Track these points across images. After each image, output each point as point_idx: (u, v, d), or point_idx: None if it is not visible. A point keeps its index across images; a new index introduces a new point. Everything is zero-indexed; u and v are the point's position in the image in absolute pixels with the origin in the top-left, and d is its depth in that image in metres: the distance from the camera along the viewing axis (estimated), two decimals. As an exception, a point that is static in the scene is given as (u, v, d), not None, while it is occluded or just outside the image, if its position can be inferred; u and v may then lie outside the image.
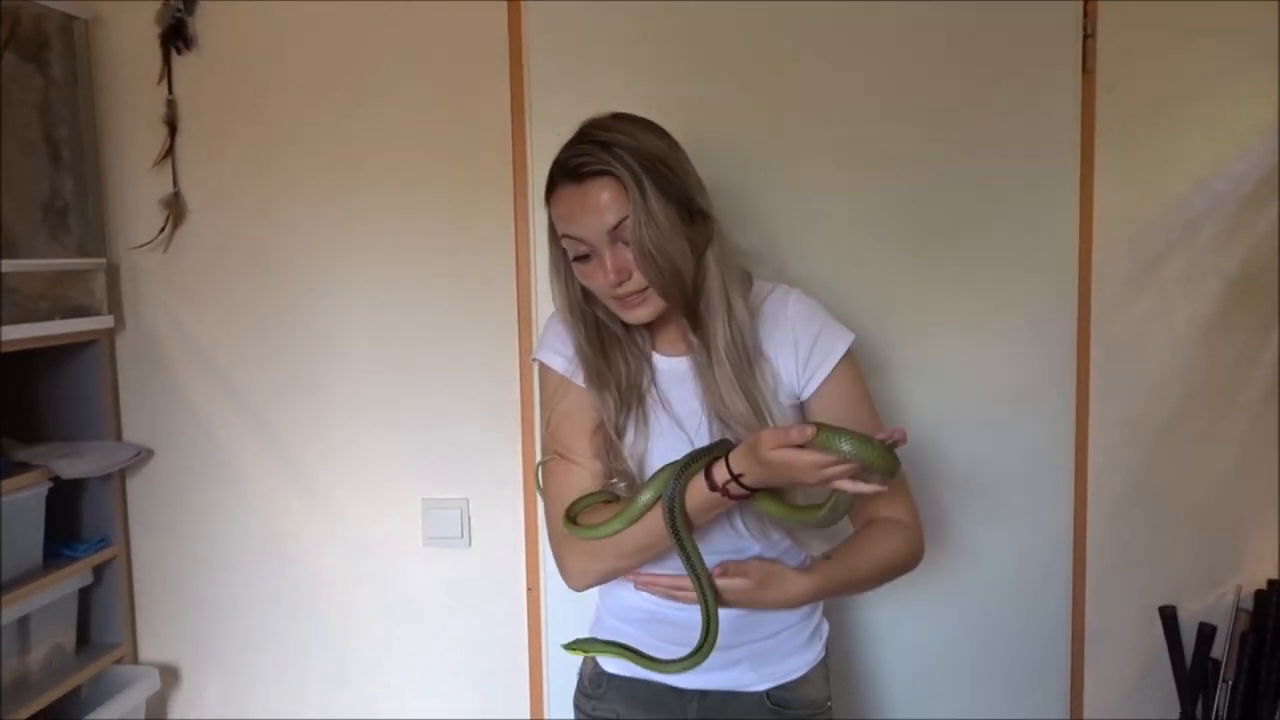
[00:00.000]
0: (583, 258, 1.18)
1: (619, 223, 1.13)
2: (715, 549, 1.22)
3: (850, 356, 1.27)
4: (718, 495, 1.10)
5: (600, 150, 1.14)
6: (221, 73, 1.76)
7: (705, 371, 1.22)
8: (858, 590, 1.30)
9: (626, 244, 1.14)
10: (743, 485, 1.09)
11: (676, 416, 1.24)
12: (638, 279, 1.16)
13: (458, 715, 1.85)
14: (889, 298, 1.71)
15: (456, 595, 1.82)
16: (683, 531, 1.12)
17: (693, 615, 1.21)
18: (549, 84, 1.71)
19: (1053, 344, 1.72)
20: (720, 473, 1.10)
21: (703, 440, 1.21)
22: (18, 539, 1.64)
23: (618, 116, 1.20)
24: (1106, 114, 1.67)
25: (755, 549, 1.26)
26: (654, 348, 1.29)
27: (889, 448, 1.02)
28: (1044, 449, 1.74)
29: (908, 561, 1.29)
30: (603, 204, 1.13)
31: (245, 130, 1.77)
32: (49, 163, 1.69)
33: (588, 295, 1.25)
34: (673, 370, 1.27)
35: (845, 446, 1.00)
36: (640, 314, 1.20)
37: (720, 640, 1.24)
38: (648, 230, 1.12)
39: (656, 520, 1.14)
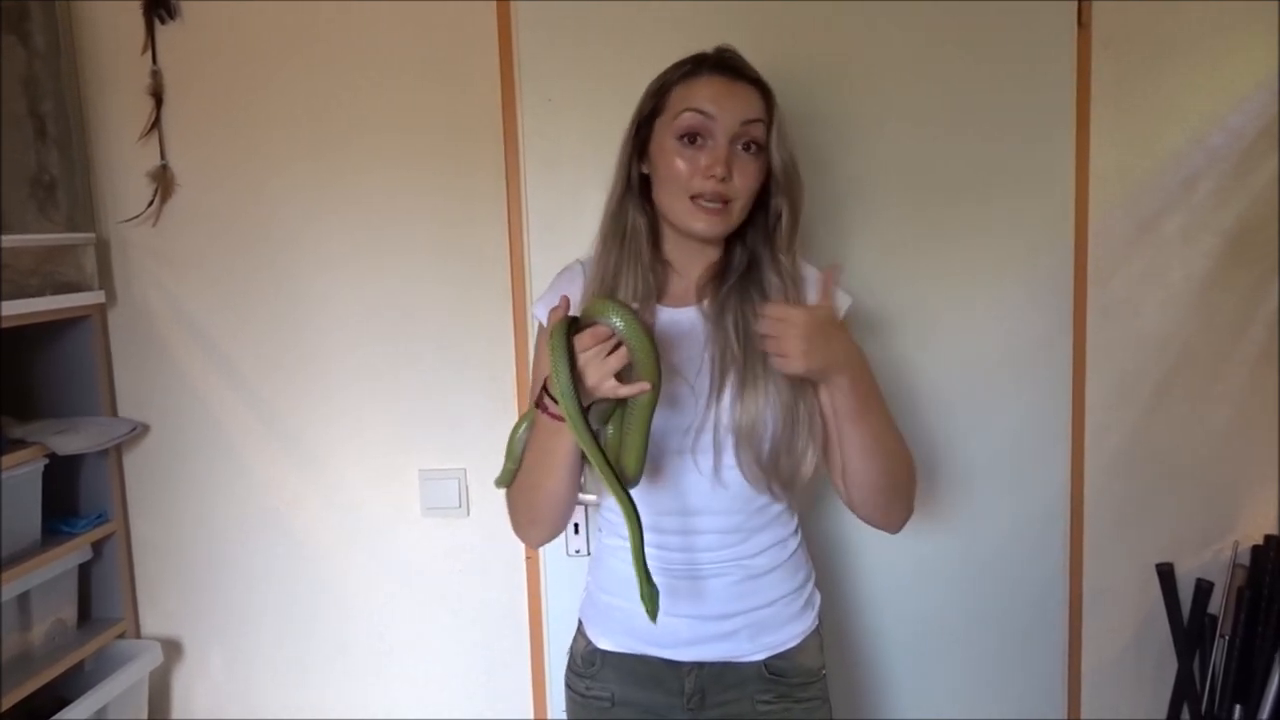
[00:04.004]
0: (694, 139, 1.20)
1: (753, 121, 1.20)
2: (707, 507, 1.23)
3: (844, 321, 1.29)
4: (548, 417, 1.14)
5: (750, 67, 1.25)
6: (206, 42, 1.73)
7: (723, 319, 1.24)
8: (881, 438, 1.21)
9: (744, 148, 1.21)
10: (554, 399, 1.10)
11: (675, 361, 1.24)
12: (734, 186, 1.20)
13: (459, 683, 1.86)
14: (885, 259, 1.70)
15: (456, 565, 1.82)
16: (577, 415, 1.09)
17: (677, 584, 1.25)
18: (539, 47, 1.68)
19: (1050, 303, 1.71)
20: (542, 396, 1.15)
21: (703, 386, 1.23)
22: (15, 516, 1.63)
23: None
24: (1102, 70, 1.66)
25: (740, 516, 1.26)
26: (659, 300, 1.28)
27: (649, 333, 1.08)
28: (1042, 408, 1.74)
29: (907, 471, 1.27)
30: (749, 101, 1.21)
31: (232, 100, 1.75)
32: (35, 137, 1.67)
33: (642, 199, 1.28)
34: (674, 320, 1.27)
35: (617, 320, 1.06)
36: (710, 225, 1.22)
37: (717, 610, 1.26)
38: (779, 146, 1.22)
39: (533, 454, 1.20)
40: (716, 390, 1.22)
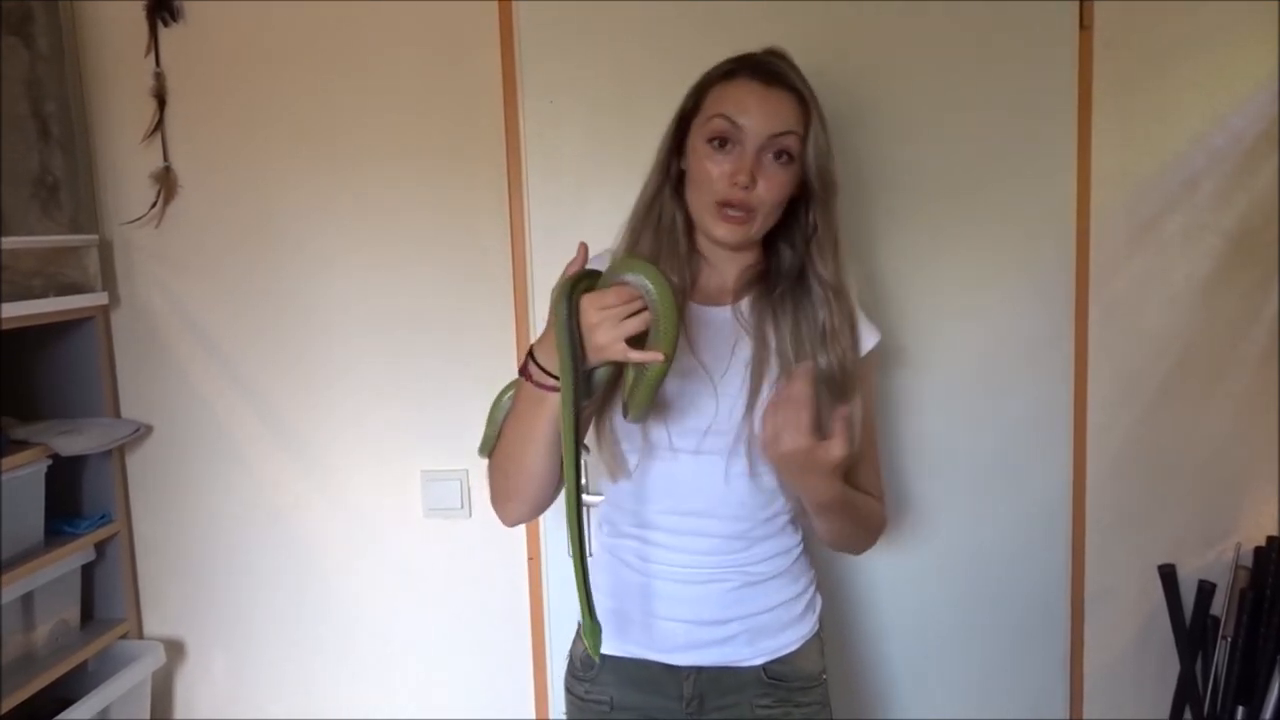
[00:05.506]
0: (723, 144, 1.17)
1: (783, 133, 1.16)
2: (712, 511, 1.22)
3: (874, 355, 1.29)
4: (531, 385, 1.10)
5: (792, 71, 1.20)
6: (209, 44, 1.74)
7: (763, 325, 1.23)
8: (844, 524, 1.25)
9: (775, 156, 1.17)
10: (540, 367, 1.09)
11: (702, 360, 1.22)
12: (759, 194, 1.16)
13: (461, 683, 1.86)
14: (886, 258, 1.70)
15: (458, 566, 1.83)
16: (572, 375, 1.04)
17: (674, 588, 1.24)
18: (540, 49, 1.69)
19: (1051, 303, 1.71)
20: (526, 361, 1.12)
21: (728, 390, 1.20)
22: (18, 516, 1.64)
23: None
24: (1105, 71, 1.66)
25: (746, 524, 1.24)
26: (691, 298, 1.26)
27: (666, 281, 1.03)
28: (1043, 408, 1.74)
29: (873, 530, 1.32)
30: (783, 111, 1.17)
31: (235, 102, 1.75)
32: (38, 138, 1.67)
33: (678, 194, 1.24)
34: (704, 319, 1.25)
35: (650, 284, 1.01)
36: (733, 233, 1.19)
37: (714, 615, 1.24)
38: (814, 157, 1.18)
39: (512, 425, 1.17)
40: (752, 396, 1.20)
